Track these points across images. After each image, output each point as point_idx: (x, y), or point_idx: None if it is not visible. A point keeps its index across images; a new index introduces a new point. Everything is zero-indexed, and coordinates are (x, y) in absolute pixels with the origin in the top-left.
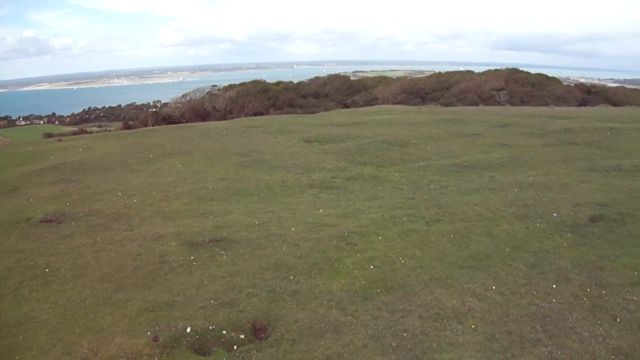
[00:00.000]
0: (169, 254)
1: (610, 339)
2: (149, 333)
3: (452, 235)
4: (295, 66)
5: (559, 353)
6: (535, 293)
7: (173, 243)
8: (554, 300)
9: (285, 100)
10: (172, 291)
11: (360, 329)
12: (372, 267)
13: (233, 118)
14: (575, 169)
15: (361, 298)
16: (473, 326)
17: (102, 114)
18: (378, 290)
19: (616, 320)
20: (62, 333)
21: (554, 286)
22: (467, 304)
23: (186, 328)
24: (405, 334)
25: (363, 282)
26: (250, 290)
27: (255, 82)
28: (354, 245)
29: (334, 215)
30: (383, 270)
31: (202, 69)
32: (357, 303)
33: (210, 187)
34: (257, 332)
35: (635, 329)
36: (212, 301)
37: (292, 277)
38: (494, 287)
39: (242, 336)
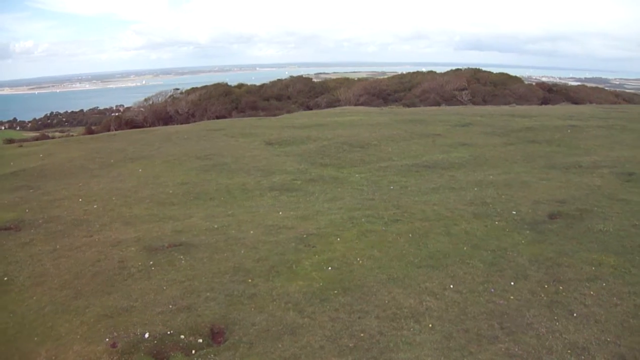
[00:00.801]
0: (128, 259)
1: (567, 334)
2: (107, 339)
3: (410, 235)
4: (258, 69)
5: (516, 349)
6: (492, 291)
7: (132, 248)
8: (511, 297)
9: (247, 103)
10: (130, 297)
11: (318, 330)
12: (330, 268)
13: (196, 121)
14: (535, 167)
15: (319, 299)
16: (430, 325)
17: (64, 119)
18: (336, 292)
19: (573, 315)
20: (21, 342)
21: (512, 283)
22: (424, 303)
23: (144, 333)
24: (362, 335)
25: (321, 284)
26: (208, 294)
27: (218, 85)
28: (313, 247)
29: (293, 217)
30: (341, 272)
31: (165, 72)
32: (314, 305)
33: (171, 191)
34: (215, 336)
35: (592, 323)
36: (170, 306)
37: (250, 281)
38: (451, 286)
39: (200, 340)
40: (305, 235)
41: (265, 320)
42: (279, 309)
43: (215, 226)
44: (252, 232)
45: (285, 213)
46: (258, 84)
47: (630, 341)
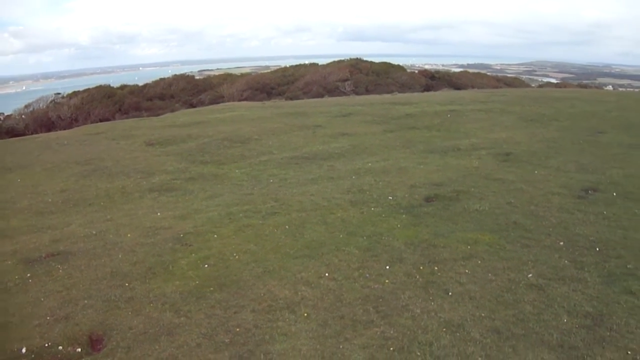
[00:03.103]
0: (4, 273)
1: (442, 313)
2: None
3: (287, 227)
4: (141, 68)
5: (392, 331)
6: (368, 276)
7: (9, 262)
8: (387, 281)
9: (131, 104)
10: (7, 312)
11: (194, 328)
12: (206, 265)
13: (79, 126)
14: (414, 152)
15: (195, 298)
16: (306, 314)
17: None
18: (212, 289)
19: (448, 294)
20: None
21: (387, 267)
22: (299, 293)
23: (21, 349)
24: (238, 329)
25: (197, 282)
26: (86, 301)
27: (100, 88)
28: (189, 245)
29: (171, 217)
30: (217, 268)
31: (46, 76)
32: (190, 303)
33: (50, 200)
34: (94, 343)
35: (466, 300)
36: (47, 317)
37: (127, 284)
38: (327, 274)
39: (79, 349)
40: (182, 235)
41: (142, 323)
42: (156, 310)
43: (94, 232)
44: (129, 235)
45: (164, 213)
46: (141, 84)
47: (504, 314)
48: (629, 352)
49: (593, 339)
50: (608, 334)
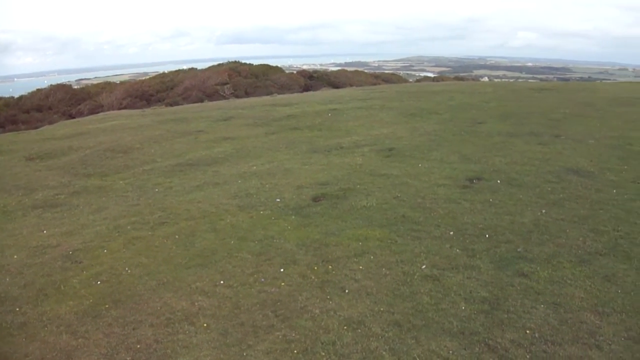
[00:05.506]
0: None
1: (341, 311)
2: None
3: (177, 237)
4: (16, 79)
5: (293, 334)
6: (263, 280)
7: None
8: (282, 283)
9: (7, 118)
10: None
11: (93, 349)
12: (99, 282)
13: None
14: (298, 153)
15: (91, 317)
16: (205, 325)
17: None
18: (107, 306)
19: (345, 291)
20: None
21: (282, 270)
22: (196, 303)
23: None
24: (139, 346)
25: (91, 300)
26: None
27: None
28: (80, 262)
29: (58, 234)
30: (110, 284)
31: None
32: (87, 323)
33: None
34: None
35: (364, 296)
36: None
37: (18, 309)
38: (222, 282)
39: None
40: (71, 252)
41: (38, 349)
42: (52, 334)
43: None
44: (15, 256)
45: (50, 231)
46: (17, 95)
47: (403, 307)
48: (528, 332)
49: (492, 323)
50: (506, 316)
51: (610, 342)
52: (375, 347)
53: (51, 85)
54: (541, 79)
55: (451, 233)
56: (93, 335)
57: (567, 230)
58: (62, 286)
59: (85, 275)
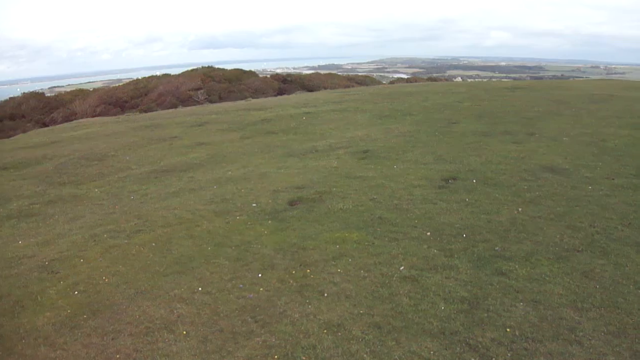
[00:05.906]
0: None
1: (320, 315)
2: None
3: (154, 244)
4: None
5: (273, 340)
6: (241, 286)
7: None
8: (261, 289)
9: None
10: None
11: None
12: (76, 292)
13: None
14: (273, 157)
15: (69, 328)
16: (185, 332)
17: None
18: (85, 316)
19: (324, 295)
20: None
21: (260, 275)
22: (175, 311)
23: None
24: (118, 356)
25: (69, 311)
26: None
27: None
28: (56, 273)
29: (34, 244)
30: (88, 294)
31: None
32: (65, 334)
33: None
34: None
35: (343, 299)
36: None
37: None
38: (200, 289)
39: None
40: (47, 262)
41: None
42: (29, 346)
43: None
44: None
45: (26, 241)
46: None
47: (382, 309)
48: (508, 330)
49: (472, 322)
50: (486, 315)
51: (590, 338)
52: (355, 350)
53: (24, 93)
54: (515, 78)
55: (428, 234)
56: (72, 346)
57: (544, 228)
58: (39, 297)
59: (63, 286)
